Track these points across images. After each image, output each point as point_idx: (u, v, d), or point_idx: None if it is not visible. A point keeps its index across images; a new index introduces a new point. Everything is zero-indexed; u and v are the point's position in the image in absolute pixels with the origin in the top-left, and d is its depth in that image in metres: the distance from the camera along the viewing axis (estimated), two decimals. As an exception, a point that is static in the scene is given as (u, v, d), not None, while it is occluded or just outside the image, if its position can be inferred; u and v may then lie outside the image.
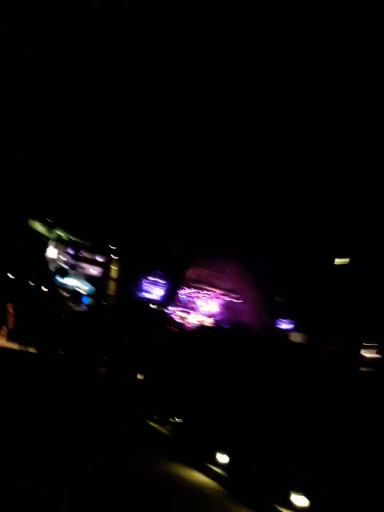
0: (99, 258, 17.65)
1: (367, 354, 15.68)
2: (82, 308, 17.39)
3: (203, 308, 18.97)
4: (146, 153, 13.83)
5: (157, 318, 16.61)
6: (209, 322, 18.19)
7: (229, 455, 6.46)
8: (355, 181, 13.74)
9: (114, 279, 17.37)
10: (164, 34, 10.70)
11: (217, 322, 18.12)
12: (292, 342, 16.82)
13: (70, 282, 18.03)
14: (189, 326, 17.35)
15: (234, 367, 7.38)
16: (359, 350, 15.57)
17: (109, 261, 17.40)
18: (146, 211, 15.60)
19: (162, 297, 18.22)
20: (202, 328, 14.58)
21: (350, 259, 15.75)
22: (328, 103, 12.28)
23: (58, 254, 18.13)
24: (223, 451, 6.53)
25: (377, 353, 15.24)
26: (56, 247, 18.03)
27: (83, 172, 14.75)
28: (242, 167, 14.95)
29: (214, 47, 10.87)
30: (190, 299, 19.13)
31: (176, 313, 18.44)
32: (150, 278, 17.80)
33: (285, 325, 17.76)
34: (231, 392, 7.05)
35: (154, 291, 18.14)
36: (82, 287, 18.15)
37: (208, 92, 12.08)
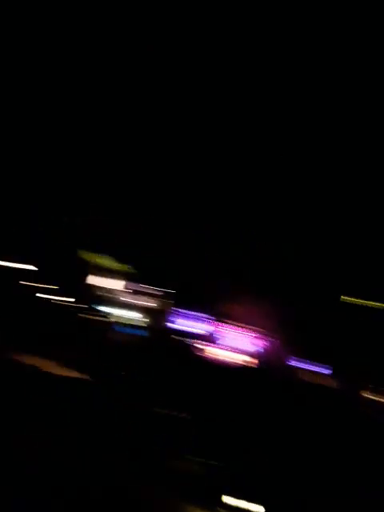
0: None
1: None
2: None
3: (235, 343, 19.10)
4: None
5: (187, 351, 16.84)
6: (240, 358, 18.27)
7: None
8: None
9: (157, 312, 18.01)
10: (163, 35, 10.51)
11: (256, 361, 18.10)
12: (325, 385, 16.59)
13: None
14: (220, 361, 17.50)
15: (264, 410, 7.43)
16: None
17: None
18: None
19: (195, 330, 18.51)
20: (241, 365, 14.52)
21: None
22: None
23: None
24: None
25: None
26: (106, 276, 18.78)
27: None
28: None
29: (213, 46, 10.66)
30: (223, 334, 19.32)
31: (205, 347, 18.65)
32: (185, 313, 18.20)
33: (314, 367, 17.57)
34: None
35: (189, 324, 18.49)
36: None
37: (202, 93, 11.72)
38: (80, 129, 13.11)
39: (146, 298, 18.04)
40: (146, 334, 17.35)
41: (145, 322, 17.72)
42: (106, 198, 14.99)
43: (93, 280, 19.03)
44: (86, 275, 18.46)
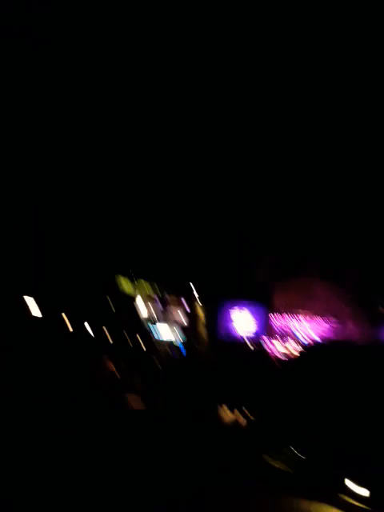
0: (183, 300, 17.59)
1: None
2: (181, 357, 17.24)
3: (300, 333, 18.13)
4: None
5: (257, 353, 16.18)
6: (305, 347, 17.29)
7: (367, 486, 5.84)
8: None
9: (201, 320, 17.24)
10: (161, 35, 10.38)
11: (319, 341, 17.16)
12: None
13: (164, 334, 17.92)
14: (289, 355, 16.60)
15: (355, 387, 6.78)
16: None
17: (192, 300, 17.32)
18: (217, 239, 15.29)
19: (254, 331, 17.72)
20: (306, 350, 13.71)
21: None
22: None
23: (146, 305, 18.19)
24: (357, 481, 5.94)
25: None
26: (143, 299, 18.17)
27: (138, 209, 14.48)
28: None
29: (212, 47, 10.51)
30: (285, 328, 18.42)
31: (273, 345, 17.81)
32: (237, 312, 17.47)
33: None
34: (356, 414, 6.46)
35: (244, 326, 17.72)
36: (176, 336, 18.04)
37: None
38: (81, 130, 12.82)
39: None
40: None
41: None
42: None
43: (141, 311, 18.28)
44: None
